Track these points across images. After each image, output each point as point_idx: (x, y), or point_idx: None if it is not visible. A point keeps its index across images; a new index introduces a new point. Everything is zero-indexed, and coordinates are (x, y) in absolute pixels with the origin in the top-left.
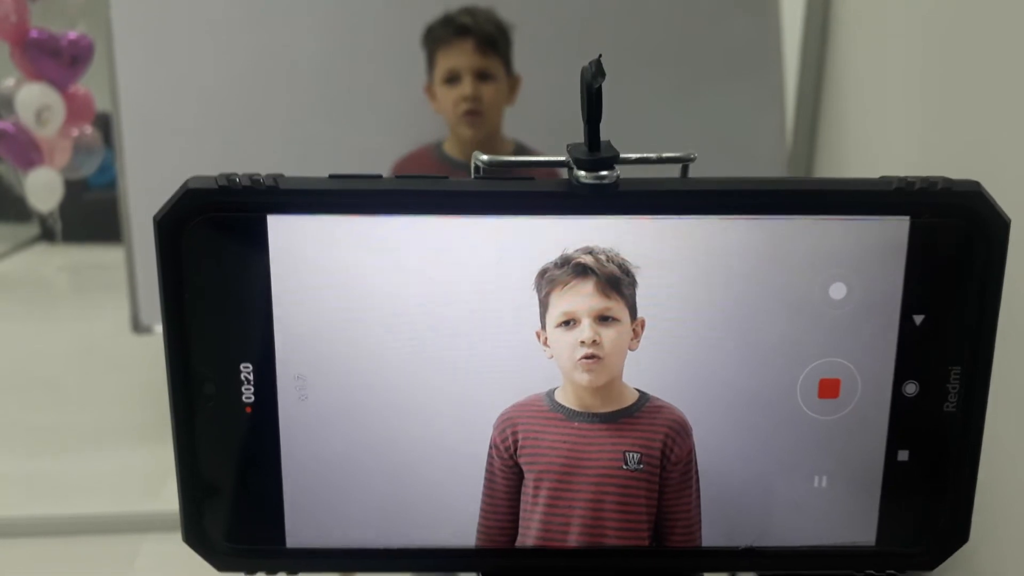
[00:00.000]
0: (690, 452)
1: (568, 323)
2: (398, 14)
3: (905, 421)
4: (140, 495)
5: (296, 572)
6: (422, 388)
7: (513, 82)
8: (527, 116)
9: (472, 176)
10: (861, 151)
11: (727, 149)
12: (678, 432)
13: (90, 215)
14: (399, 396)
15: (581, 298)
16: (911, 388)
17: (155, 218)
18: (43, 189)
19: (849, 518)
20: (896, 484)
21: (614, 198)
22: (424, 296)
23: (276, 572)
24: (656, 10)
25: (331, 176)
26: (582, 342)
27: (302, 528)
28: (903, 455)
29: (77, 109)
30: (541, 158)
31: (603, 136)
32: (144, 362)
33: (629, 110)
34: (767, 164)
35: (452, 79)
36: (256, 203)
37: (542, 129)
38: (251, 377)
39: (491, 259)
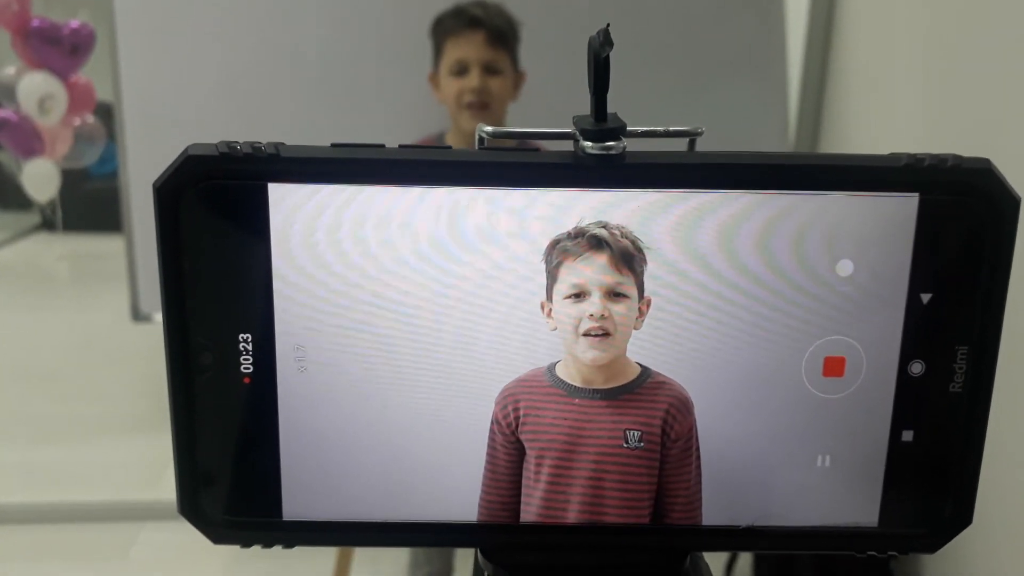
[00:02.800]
0: (690, 428)
1: (578, 295)
2: (402, 5)
3: (910, 401)
4: (138, 484)
5: (292, 545)
6: (422, 361)
7: (518, 78)
8: (530, 112)
9: (476, 147)
10: (865, 144)
11: (731, 142)
12: (679, 409)
13: (91, 204)
14: (399, 368)
15: (594, 271)
16: (917, 368)
17: (155, 185)
18: (40, 179)
19: (852, 499)
20: (900, 465)
21: (620, 170)
22: (425, 267)
23: (272, 545)
24: (659, 5)
25: (333, 145)
26: (591, 315)
27: (299, 501)
28: (908, 436)
29: (79, 98)
30: (546, 129)
31: (619, 117)
32: (144, 351)
33: (634, 104)
34: None
35: (460, 70)
36: (257, 171)
37: (544, 125)
38: (250, 347)
39: (494, 231)
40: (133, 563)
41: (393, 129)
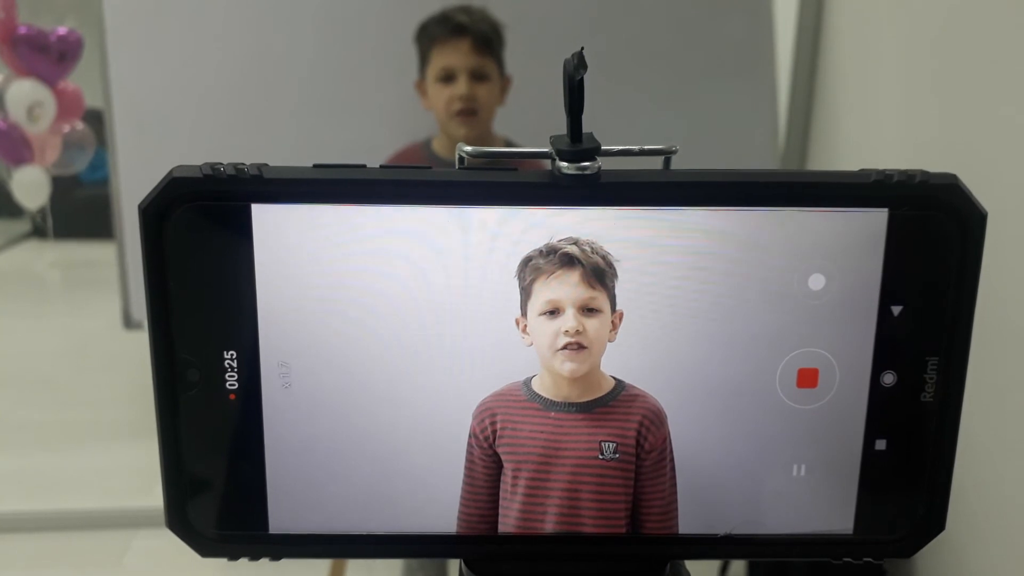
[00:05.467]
0: (664, 440)
1: (553, 312)
2: (391, 11)
3: (883, 411)
4: (131, 491)
5: (279, 558)
6: (404, 376)
7: (505, 83)
8: (517, 116)
9: (456, 167)
10: (854, 153)
11: (720, 150)
12: (652, 421)
13: (82, 211)
14: (381, 384)
15: (567, 288)
16: (889, 378)
17: (140, 206)
18: (30, 186)
19: (827, 506)
20: (874, 473)
21: (596, 189)
22: (406, 285)
23: (259, 558)
24: (648, 10)
25: (315, 165)
26: (566, 331)
27: (285, 514)
28: (881, 444)
29: (67, 105)
30: (524, 149)
31: (594, 137)
32: (136, 358)
33: (621, 110)
34: (760, 165)
35: (447, 78)
36: (240, 192)
37: (532, 130)
38: (235, 364)
39: (473, 249)
40: (126, 571)
41: (381, 136)
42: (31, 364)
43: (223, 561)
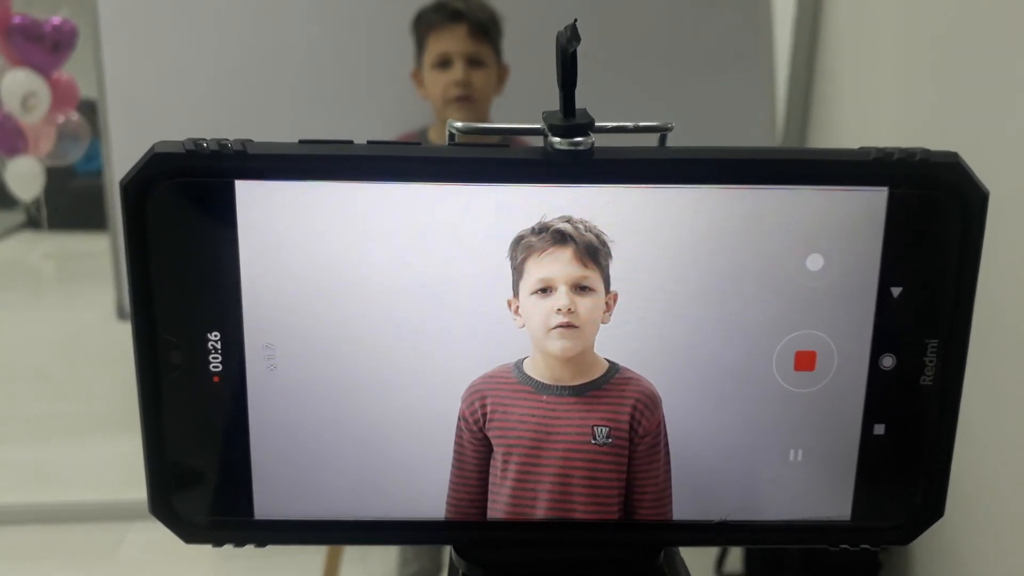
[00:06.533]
0: (659, 424)
1: (545, 290)
2: (387, 1)
3: (881, 394)
4: (126, 483)
5: (264, 544)
6: (392, 358)
7: (502, 72)
8: (515, 107)
9: (447, 143)
10: (854, 137)
11: (719, 137)
12: (646, 405)
13: (76, 202)
14: (368, 366)
15: (559, 265)
16: (888, 361)
17: (121, 182)
18: (24, 177)
19: (824, 492)
20: (872, 458)
21: (589, 165)
22: (394, 264)
23: (244, 544)
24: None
25: (301, 141)
26: (558, 309)
27: (270, 500)
28: (879, 429)
29: (61, 95)
30: (516, 125)
31: (587, 112)
32: (130, 350)
33: (617, 100)
34: None
35: (443, 64)
36: (224, 168)
37: (530, 121)
38: (219, 346)
39: (463, 227)
40: (121, 562)
41: (377, 126)
42: (25, 356)
43: (218, 553)
